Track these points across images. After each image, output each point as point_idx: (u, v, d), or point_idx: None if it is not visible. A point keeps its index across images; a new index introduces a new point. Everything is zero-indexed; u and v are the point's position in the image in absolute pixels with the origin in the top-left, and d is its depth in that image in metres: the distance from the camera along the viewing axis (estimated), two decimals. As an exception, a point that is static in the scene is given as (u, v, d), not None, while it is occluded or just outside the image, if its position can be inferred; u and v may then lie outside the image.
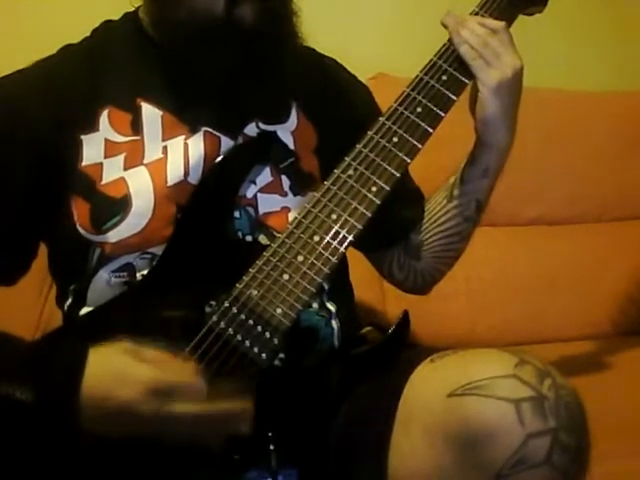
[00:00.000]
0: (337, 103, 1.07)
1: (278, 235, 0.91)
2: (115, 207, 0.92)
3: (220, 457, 0.83)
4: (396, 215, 1.05)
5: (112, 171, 0.93)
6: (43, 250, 1.00)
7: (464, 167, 1.02)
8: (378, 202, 0.90)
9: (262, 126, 0.99)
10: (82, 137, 0.93)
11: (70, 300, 0.97)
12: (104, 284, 0.93)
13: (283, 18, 0.94)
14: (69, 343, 0.84)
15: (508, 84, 0.95)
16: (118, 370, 0.77)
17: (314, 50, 1.08)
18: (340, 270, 1.00)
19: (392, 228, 1.08)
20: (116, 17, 1.03)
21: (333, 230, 0.89)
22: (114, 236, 0.92)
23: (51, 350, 0.84)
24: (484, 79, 0.94)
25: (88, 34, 1.02)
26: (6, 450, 0.78)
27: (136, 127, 0.95)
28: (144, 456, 0.80)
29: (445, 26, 0.98)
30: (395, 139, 0.93)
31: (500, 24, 0.97)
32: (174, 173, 0.93)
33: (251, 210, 0.95)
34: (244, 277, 0.87)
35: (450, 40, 0.97)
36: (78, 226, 0.93)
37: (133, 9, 1.02)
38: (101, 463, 0.80)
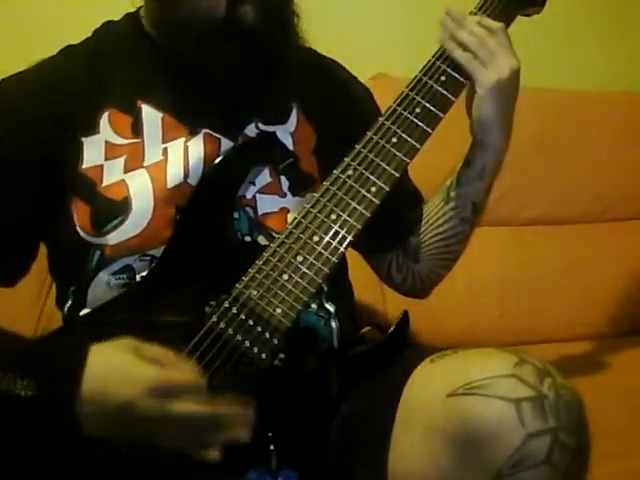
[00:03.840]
0: (337, 104, 1.07)
1: (277, 235, 0.91)
2: (115, 209, 0.92)
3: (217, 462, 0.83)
4: (395, 218, 1.04)
5: (112, 173, 0.93)
6: (43, 251, 1.00)
7: (460, 169, 1.02)
8: (377, 202, 0.90)
9: (262, 127, 0.99)
10: (82, 139, 0.94)
11: (70, 302, 0.97)
12: (104, 286, 0.93)
13: (284, 18, 0.94)
14: (70, 339, 0.84)
15: (505, 84, 0.95)
16: (119, 368, 0.76)
17: (314, 50, 1.08)
18: (339, 270, 1.00)
19: (391, 231, 1.08)
20: (117, 17, 1.03)
21: (332, 230, 0.89)
22: (114, 238, 0.92)
23: (52, 345, 0.84)
24: (481, 80, 0.95)
25: (89, 35, 1.02)
26: (5, 444, 0.77)
27: (136, 129, 0.95)
28: (142, 455, 0.80)
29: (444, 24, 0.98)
30: (394, 139, 0.93)
31: (498, 25, 0.97)
32: (174, 175, 0.93)
33: (250, 211, 0.95)
34: (244, 277, 0.87)
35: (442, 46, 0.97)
36: (78, 228, 0.93)
37: (134, 9, 1.02)
38: (100, 460, 0.80)
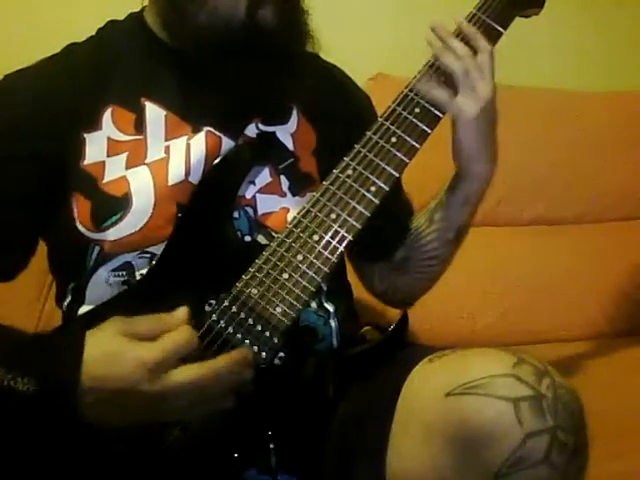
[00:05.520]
0: (337, 106, 1.07)
1: (277, 235, 0.91)
2: (115, 205, 0.92)
3: (220, 454, 0.83)
4: (387, 229, 1.04)
5: (114, 170, 0.93)
6: (44, 252, 1.00)
7: (444, 194, 1.02)
8: (377, 202, 0.90)
9: (262, 127, 0.99)
10: (85, 135, 0.94)
11: (69, 299, 0.98)
12: (103, 283, 0.93)
13: (300, 20, 0.94)
14: (67, 333, 0.84)
15: (483, 113, 0.94)
16: (115, 352, 0.77)
17: (315, 54, 1.08)
18: (339, 270, 1.00)
19: (381, 242, 1.07)
20: (121, 17, 1.03)
21: (332, 229, 0.89)
22: (113, 234, 0.92)
23: (49, 341, 0.85)
24: (464, 109, 0.93)
25: (93, 33, 1.02)
26: (7, 441, 0.78)
27: (139, 126, 0.95)
28: (146, 449, 0.81)
29: (430, 45, 0.97)
30: (394, 139, 0.93)
31: (487, 47, 0.95)
32: (175, 172, 0.94)
33: (250, 210, 0.96)
34: (244, 276, 0.88)
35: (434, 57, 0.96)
36: (78, 223, 0.93)
37: (139, 9, 1.02)
38: (102, 453, 0.81)
